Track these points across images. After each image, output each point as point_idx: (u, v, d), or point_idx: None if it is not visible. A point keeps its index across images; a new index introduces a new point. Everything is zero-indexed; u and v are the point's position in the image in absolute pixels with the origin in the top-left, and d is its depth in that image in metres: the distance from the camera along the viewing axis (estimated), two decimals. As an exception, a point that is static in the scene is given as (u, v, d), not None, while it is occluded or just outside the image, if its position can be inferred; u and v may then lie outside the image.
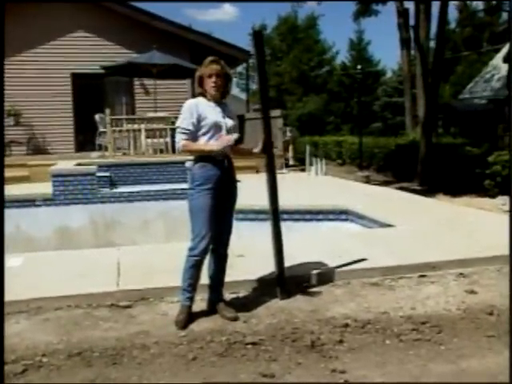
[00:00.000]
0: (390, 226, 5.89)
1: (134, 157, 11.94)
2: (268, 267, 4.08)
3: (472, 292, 4.03)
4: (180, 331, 3.39)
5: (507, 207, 11.12)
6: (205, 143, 3.41)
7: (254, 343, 3.24)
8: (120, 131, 12.44)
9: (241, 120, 15.72)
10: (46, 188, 8.96)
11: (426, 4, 17.72)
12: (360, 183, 11.49)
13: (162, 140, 12.34)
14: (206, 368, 3.01)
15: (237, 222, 7.49)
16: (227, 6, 64.21)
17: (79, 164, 10.11)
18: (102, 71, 13.76)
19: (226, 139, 3.36)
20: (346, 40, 36.62)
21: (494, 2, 27.91)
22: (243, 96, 27.45)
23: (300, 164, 14.78)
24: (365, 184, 11.53)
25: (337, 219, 7.00)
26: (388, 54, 67.37)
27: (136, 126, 12.58)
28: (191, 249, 3.40)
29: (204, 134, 3.41)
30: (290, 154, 15.75)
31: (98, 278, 4.14)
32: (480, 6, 32.87)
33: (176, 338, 3.32)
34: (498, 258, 4.49)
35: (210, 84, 3.41)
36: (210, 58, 3.48)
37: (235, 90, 40.78)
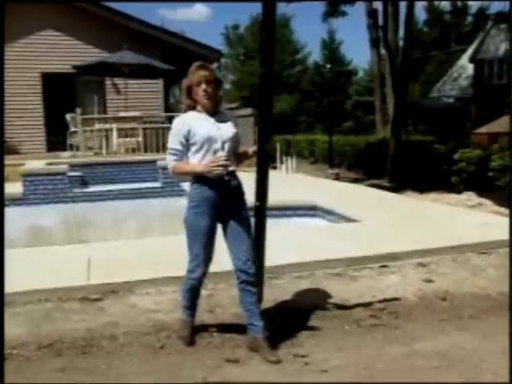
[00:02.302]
0: (355, 220, 6.09)
1: (105, 156, 11.95)
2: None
3: (429, 280, 4.24)
4: (148, 321, 3.51)
5: (472, 202, 11.48)
6: (197, 163, 3.07)
7: (219, 331, 3.38)
8: (91, 131, 12.44)
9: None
10: (16, 188, 8.92)
11: (394, 5, 18.14)
12: (330, 180, 11.71)
13: (133, 139, 12.39)
14: (173, 356, 3.14)
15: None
16: (199, 6, 64.15)
17: (50, 164, 10.09)
18: (73, 71, 13.70)
19: (213, 162, 2.99)
20: (319, 40, 36.99)
21: (459, 4, 28.77)
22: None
23: (272, 162, 14.94)
24: (334, 181, 11.76)
25: (305, 215, 7.17)
26: (360, 53, 68.20)
27: (108, 126, 12.61)
28: (189, 271, 3.22)
29: (197, 151, 3.07)
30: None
31: (69, 273, 4.22)
32: (447, 7, 33.74)
33: (145, 328, 3.44)
34: (454, 248, 4.72)
35: (200, 93, 3.06)
36: (196, 64, 3.13)
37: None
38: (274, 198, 7.97)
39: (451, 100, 27.68)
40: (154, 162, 10.24)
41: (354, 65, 37.94)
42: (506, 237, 4.95)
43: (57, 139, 14.42)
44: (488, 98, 22.78)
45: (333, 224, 6.47)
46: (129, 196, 9.71)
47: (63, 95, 14.96)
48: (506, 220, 6.11)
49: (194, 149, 3.08)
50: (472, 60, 24.93)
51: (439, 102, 28.36)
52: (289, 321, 3.55)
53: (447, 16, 34.36)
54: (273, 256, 4.56)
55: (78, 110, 12.21)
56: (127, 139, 12.43)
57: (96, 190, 9.71)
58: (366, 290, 4.07)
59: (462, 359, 3.05)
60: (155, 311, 3.68)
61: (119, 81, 14.65)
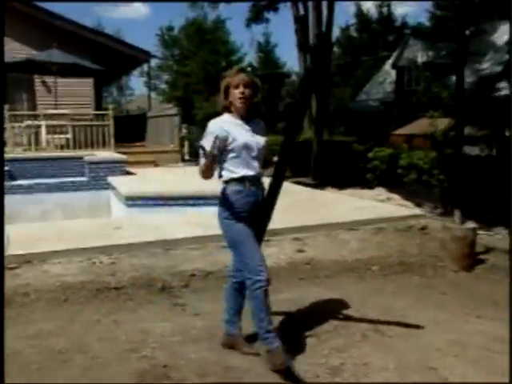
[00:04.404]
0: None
1: (34, 152, 12.29)
2: (140, 236, 4.95)
3: (300, 251, 5.12)
4: (56, 282, 4.17)
5: (382, 197, 12.61)
6: (233, 169, 3.03)
7: (116, 288, 4.11)
8: (20, 127, 12.72)
9: (143, 118, 16.43)
10: None
11: (318, 12, 19.31)
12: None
13: (62, 136, 12.78)
14: (74, 306, 3.84)
15: (128, 208, 8.26)
16: (137, 5, 63.87)
17: (-23, 158, 10.41)
18: None
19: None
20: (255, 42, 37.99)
21: (385, 13, 30.64)
22: (153, 95, 28.00)
23: (196, 159, 15.66)
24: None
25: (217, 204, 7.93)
26: (295, 56, 70.15)
27: (37, 122, 12.93)
28: (255, 282, 2.99)
29: (235, 158, 3.03)
30: (186, 149, 16.69)
31: (-12, 248, 4.80)
32: (375, 15, 35.69)
33: (53, 287, 4.11)
34: (327, 226, 5.63)
35: (236, 95, 3.01)
36: (236, 67, 3.17)
37: (143, 89, 41.05)
38: (190, 188, 8.70)
39: (376, 103, 29.34)
40: (81, 157, 10.78)
41: (288, 67, 39.35)
42: (372, 217, 5.94)
43: (-16, 135, 14.54)
44: (407, 102, 24.42)
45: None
46: (56, 189, 10.21)
47: (-9, 91, 15.06)
48: (380, 204, 7.15)
49: (231, 155, 3.03)
50: (394, 66, 26.63)
51: (365, 104, 29.98)
52: (176, 280, 4.32)
53: (375, 24, 36.27)
54: (173, 232, 5.35)
55: (6, 106, 12.48)
56: (56, 136, 12.80)
57: (24, 184, 10.14)
58: (247, 259, 4.88)
59: (310, 305, 3.91)
60: (64, 275, 4.35)
61: (49, 79, 14.92)
